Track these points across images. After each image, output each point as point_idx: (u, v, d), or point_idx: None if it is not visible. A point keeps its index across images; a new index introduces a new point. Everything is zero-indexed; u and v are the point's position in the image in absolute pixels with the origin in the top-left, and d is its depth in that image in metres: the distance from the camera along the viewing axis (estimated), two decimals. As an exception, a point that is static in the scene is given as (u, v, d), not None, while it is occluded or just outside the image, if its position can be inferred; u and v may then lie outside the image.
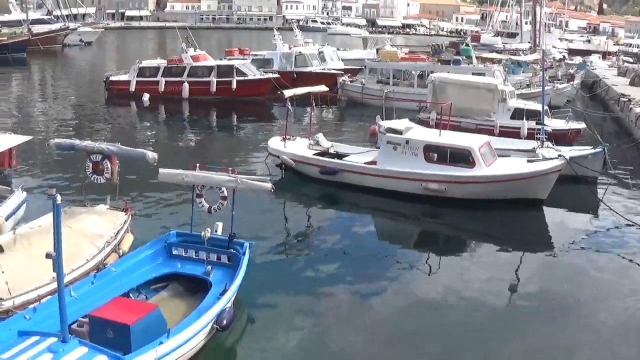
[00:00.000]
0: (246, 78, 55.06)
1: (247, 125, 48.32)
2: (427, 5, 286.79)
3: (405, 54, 65.75)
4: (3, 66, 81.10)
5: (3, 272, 15.53)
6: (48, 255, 12.25)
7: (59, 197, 12.22)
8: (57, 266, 12.40)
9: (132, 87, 55.97)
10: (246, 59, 61.35)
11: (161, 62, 57.51)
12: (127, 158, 21.03)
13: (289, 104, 32.55)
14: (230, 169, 18.97)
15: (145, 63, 58.00)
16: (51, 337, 13.12)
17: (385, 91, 50.69)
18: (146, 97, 54.25)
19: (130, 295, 16.79)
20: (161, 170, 19.12)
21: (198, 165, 19.10)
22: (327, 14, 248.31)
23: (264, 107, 54.29)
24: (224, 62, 58.54)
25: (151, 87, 55.22)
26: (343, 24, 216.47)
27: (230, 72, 55.06)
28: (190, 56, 56.08)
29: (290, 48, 63.95)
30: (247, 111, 51.92)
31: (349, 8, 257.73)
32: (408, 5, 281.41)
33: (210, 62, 57.24)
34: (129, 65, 60.84)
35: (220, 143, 43.59)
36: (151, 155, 19.96)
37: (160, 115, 52.37)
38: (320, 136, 33.05)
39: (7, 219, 20.82)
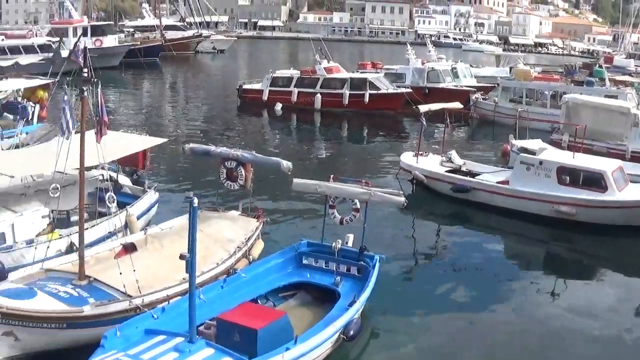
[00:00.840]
0: (379, 92, 54.60)
1: (378, 139, 48.04)
2: (560, 25, 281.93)
3: (538, 73, 64.35)
4: (136, 70, 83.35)
5: (135, 270, 15.71)
6: (182, 257, 12.32)
7: (196, 200, 12.32)
8: (190, 268, 12.49)
9: (265, 96, 56.35)
10: (379, 73, 61.01)
11: (294, 73, 57.64)
12: (261, 166, 21.20)
13: (423, 119, 32.19)
14: (363, 181, 18.84)
15: (278, 73, 58.35)
16: (178, 337, 13.26)
17: (518, 110, 49.60)
18: (279, 106, 54.60)
19: (259, 301, 16.79)
20: (295, 179, 19.15)
21: (332, 176, 19.05)
22: (459, 30, 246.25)
23: (395, 121, 53.60)
24: (357, 75, 58.22)
25: (284, 97, 55.50)
26: (477, 41, 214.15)
27: (364, 85, 54.69)
28: (324, 68, 55.96)
29: (423, 63, 63.32)
30: (378, 125, 51.39)
31: (482, 25, 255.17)
32: (540, 23, 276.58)
33: (344, 74, 56.99)
34: (261, 75, 61.48)
35: (351, 155, 43.32)
36: (285, 164, 20.04)
37: (292, 125, 52.61)
38: (453, 153, 32.53)
39: (138, 218, 21.23)
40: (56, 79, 36.48)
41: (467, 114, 50.09)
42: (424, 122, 32.35)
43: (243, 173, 20.99)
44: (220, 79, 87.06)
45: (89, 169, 20.18)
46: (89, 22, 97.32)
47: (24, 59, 58.68)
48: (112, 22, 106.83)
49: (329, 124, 51.68)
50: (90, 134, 16.56)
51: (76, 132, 16.65)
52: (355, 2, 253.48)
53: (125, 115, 51.79)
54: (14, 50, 79.49)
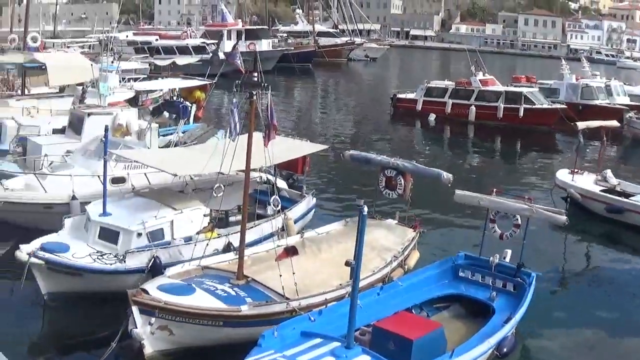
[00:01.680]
0: (534, 106, 53.30)
1: (532, 154, 46.98)
2: None
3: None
4: (289, 75, 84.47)
5: (294, 273, 15.94)
6: (347, 263, 12.50)
7: (365, 209, 12.41)
8: (355, 275, 12.63)
9: (419, 106, 56.17)
10: (533, 87, 59.85)
11: (449, 84, 57.08)
12: (421, 176, 21.18)
13: (581, 136, 31.46)
14: (526, 197, 18.62)
15: (433, 83, 57.96)
16: (335, 341, 13.39)
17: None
18: (432, 117, 54.44)
19: (413, 311, 16.74)
20: (457, 191, 19.07)
21: (494, 190, 18.83)
22: (612, 46, 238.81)
23: (549, 137, 52.26)
24: (512, 88, 57.25)
25: (438, 108, 55.24)
26: (631, 58, 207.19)
27: (518, 99, 53.58)
28: (479, 80, 55.27)
29: (577, 79, 61.76)
30: (532, 140, 50.30)
31: (634, 41, 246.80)
32: None
33: (499, 87, 56.11)
34: (413, 84, 61.34)
35: (504, 169, 42.79)
36: (446, 175, 20.02)
37: (445, 136, 52.34)
38: (608, 172, 31.57)
39: (295, 222, 21.52)
40: (214, 81, 37.59)
41: (619, 133, 48.53)
42: (581, 140, 31.62)
43: (402, 182, 21.07)
44: (372, 87, 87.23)
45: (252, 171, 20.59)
46: (243, 26, 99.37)
47: (181, 60, 60.35)
48: (266, 27, 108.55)
49: (482, 137, 51.07)
50: (256, 137, 16.90)
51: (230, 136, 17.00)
52: (508, 14, 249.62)
53: (278, 119, 52.37)
54: (169, 51, 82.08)
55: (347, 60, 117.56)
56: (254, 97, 16.11)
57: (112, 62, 41.73)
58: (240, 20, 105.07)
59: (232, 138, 16.90)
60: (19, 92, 43.27)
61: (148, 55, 76.58)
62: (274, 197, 20.14)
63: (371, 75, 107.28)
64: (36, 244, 18.17)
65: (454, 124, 53.76)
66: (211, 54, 73.12)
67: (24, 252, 17.64)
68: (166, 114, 35.23)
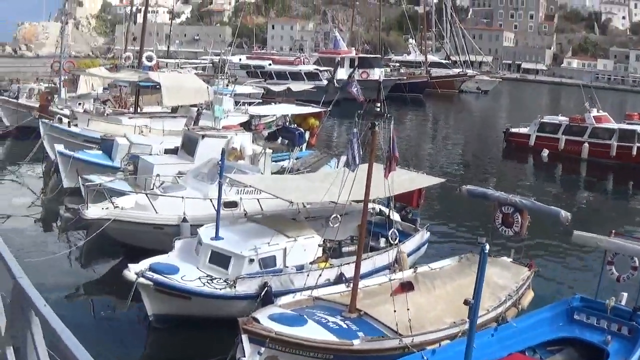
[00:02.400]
0: None
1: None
2: None
3: None
4: (400, 105, 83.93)
5: (408, 308, 15.40)
6: (466, 302, 12.01)
7: (487, 247, 11.81)
8: (473, 314, 12.15)
9: (532, 142, 54.92)
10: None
11: (563, 120, 55.50)
12: (538, 214, 20.43)
13: None
14: (646, 239, 17.67)
15: (546, 119, 56.65)
16: None
17: None
18: (545, 153, 53.12)
19: (526, 353, 16.12)
20: (575, 232, 18.28)
21: (613, 232, 18.01)
22: None
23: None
24: (626, 126, 55.34)
25: (551, 144, 53.85)
26: None
27: (632, 137, 51.79)
28: (593, 116, 53.59)
29: None
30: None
31: None
32: None
33: (612, 124, 54.13)
34: (523, 118, 60.20)
35: (618, 209, 41.10)
36: (564, 214, 19.23)
37: (558, 173, 51.06)
38: None
39: (408, 255, 20.95)
40: (328, 109, 37.33)
41: None
42: None
43: (519, 219, 20.31)
44: (483, 120, 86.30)
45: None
46: (356, 54, 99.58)
47: (296, 86, 60.63)
48: (379, 56, 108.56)
49: (595, 175, 49.57)
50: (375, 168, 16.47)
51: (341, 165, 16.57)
52: (620, 49, 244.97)
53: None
54: (281, 76, 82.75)
55: (459, 92, 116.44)
56: (376, 128, 15.72)
57: (227, 85, 41.94)
58: (353, 48, 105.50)
59: (351, 169, 16.53)
60: (132, 110, 44.02)
61: (262, 79, 77.35)
62: (392, 230, 19.64)
63: (482, 108, 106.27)
64: (145, 264, 18.17)
65: (567, 160, 52.32)
66: (327, 81, 73.48)
67: (132, 271, 17.62)
68: (281, 139, 35.06)
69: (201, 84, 40.58)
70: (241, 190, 23.02)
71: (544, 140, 54.50)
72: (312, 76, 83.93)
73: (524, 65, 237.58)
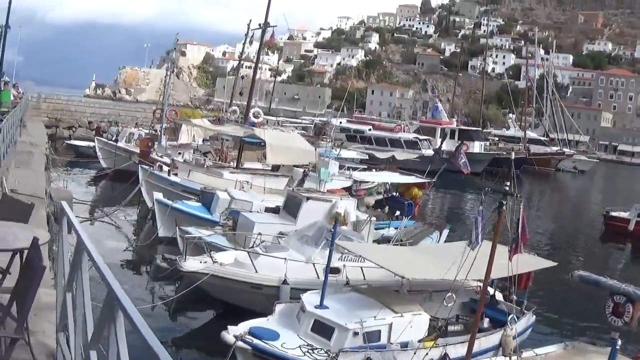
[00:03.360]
0: None
1: None
2: None
3: None
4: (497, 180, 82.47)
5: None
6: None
7: (619, 342, 11.02)
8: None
9: (631, 227, 53.22)
10: None
11: None
12: (654, 306, 19.34)
13: None
14: None
15: (642, 203, 55.33)
16: None
17: None
18: None
19: None
20: None
21: None
22: None
23: None
24: None
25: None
26: None
27: None
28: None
29: None
30: None
31: None
32: None
33: None
34: (620, 202, 58.59)
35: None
36: None
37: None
38: None
39: (513, 338, 19.98)
40: (433, 179, 36.62)
41: None
42: None
43: (631, 310, 19.23)
44: (580, 201, 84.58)
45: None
46: (457, 125, 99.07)
47: (400, 154, 60.33)
48: (479, 129, 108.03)
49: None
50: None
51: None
52: None
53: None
54: (381, 142, 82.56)
55: (556, 171, 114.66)
56: (504, 207, 15.04)
57: (332, 148, 41.71)
58: (454, 119, 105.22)
59: (472, 247, 15.95)
60: (233, 164, 44.00)
61: (362, 144, 77.17)
62: (511, 315, 19.23)
63: (579, 188, 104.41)
64: (244, 327, 17.61)
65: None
66: (433, 152, 73.10)
67: (231, 334, 17.13)
68: (388, 208, 34.35)
69: (307, 144, 40.48)
70: (345, 257, 22.34)
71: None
72: (411, 144, 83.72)
73: (621, 147, 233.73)
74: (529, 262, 22.18)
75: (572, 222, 62.97)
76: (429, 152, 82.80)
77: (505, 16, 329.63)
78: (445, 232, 31.65)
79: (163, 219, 30.56)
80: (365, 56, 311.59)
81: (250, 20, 57.18)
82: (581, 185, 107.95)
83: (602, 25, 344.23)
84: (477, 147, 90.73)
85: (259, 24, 49.10)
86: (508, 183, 15.36)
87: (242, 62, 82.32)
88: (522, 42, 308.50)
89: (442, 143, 77.48)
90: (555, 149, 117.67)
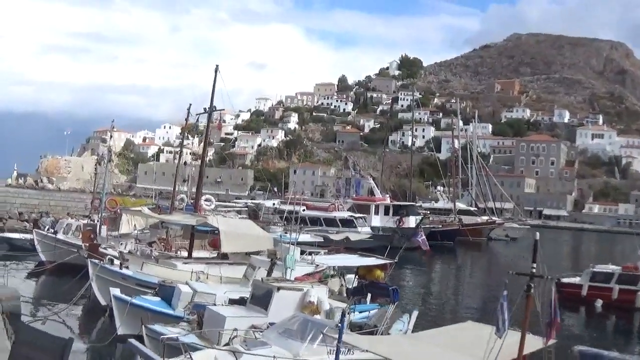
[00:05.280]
0: None
1: None
2: None
3: None
4: (434, 252, 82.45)
5: None
6: None
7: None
8: None
9: (584, 292, 53.09)
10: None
11: (615, 269, 54.15)
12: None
13: None
14: None
15: (598, 268, 55.26)
16: None
17: None
18: (599, 303, 51.27)
19: None
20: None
21: None
22: None
23: None
24: None
25: (604, 294, 52.00)
26: None
27: None
28: (646, 264, 52.57)
29: None
30: None
31: None
32: None
33: None
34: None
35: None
36: None
37: (611, 323, 49.51)
38: None
39: None
40: (395, 260, 35.79)
41: None
42: None
43: None
44: (521, 269, 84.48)
45: None
46: (391, 202, 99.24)
47: (354, 235, 59.77)
48: (414, 203, 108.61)
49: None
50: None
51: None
52: None
53: (426, 297, 50.63)
54: (315, 222, 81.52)
55: (488, 240, 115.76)
56: (532, 291, 14.39)
57: (286, 232, 40.64)
58: (388, 195, 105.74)
59: (499, 334, 15.31)
60: (180, 253, 42.68)
61: (295, 225, 76.09)
62: None
63: (514, 255, 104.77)
64: None
65: (620, 310, 50.44)
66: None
67: None
68: (370, 296, 32.92)
69: (260, 230, 39.49)
70: (331, 351, 20.96)
71: (596, 290, 52.60)
72: (347, 223, 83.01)
73: (546, 211, 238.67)
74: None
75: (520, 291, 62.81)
76: (366, 229, 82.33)
77: (422, 89, 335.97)
78: (415, 313, 30.54)
79: (122, 317, 28.84)
80: (285, 136, 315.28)
81: (190, 105, 56.69)
82: (515, 252, 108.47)
83: (519, 93, 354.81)
84: (412, 221, 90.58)
85: (204, 109, 48.58)
86: (534, 264, 14.70)
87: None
88: (441, 114, 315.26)
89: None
90: (485, 218, 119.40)
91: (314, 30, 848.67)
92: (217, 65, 48.28)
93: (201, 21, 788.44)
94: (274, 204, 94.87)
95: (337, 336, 19.91)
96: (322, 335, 20.47)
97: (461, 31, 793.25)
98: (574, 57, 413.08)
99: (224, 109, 49.22)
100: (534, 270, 14.57)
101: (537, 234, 16.25)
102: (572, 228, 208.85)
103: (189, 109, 56.32)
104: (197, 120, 56.19)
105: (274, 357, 19.96)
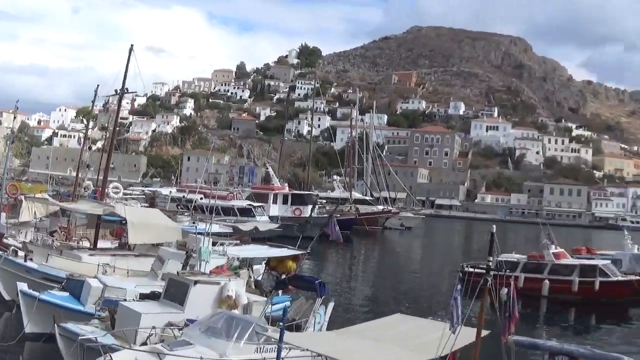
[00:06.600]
0: (609, 279, 51.76)
1: (606, 329, 45.24)
2: None
3: None
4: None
5: None
6: None
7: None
8: None
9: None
10: (593, 259, 58.43)
11: (521, 257, 55.44)
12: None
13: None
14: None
15: (503, 257, 55.90)
16: None
17: None
18: (504, 291, 51.83)
19: None
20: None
21: None
22: (637, 212, 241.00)
23: (622, 310, 50.35)
24: (587, 261, 55.57)
25: (507, 282, 52.79)
26: None
27: (594, 273, 51.94)
28: (552, 253, 53.72)
29: (639, 249, 61.02)
30: (605, 314, 48.78)
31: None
32: None
33: (573, 260, 54.85)
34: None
35: (582, 344, 40.14)
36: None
37: (518, 311, 49.63)
38: None
39: None
40: (307, 251, 35.36)
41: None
42: None
43: None
44: (424, 257, 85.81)
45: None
46: (290, 191, 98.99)
47: (263, 225, 59.08)
48: (312, 192, 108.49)
49: (555, 311, 49.08)
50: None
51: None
52: (533, 184, 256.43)
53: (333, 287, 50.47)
54: (213, 210, 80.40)
55: (383, 229, 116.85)
56: (488, 284, 14.41)
57: (194, 222, 39.75)
58: (287, 184, 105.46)
59: (453, 330, 15.62)
60: (83, 243, 41.15)
61: (191, 212, 75.01)
62: None
63: (410, 244, 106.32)
64: None
65: (527, 298, 51.11)
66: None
67: None
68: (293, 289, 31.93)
69: (169, 221, 38.41)
70: (261, 348, 20.55)
71: (502, 279, 53.33)
72: (246, 212, 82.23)
73: (438, 201, 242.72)
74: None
75: (429, 279, 63.34)
76: (265, 219, 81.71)
77: (319, 79, 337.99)
78: (331, 305, 30.16)
79: (30, 314, 27.12)
80: (180, 122, 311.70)
81: (98, 86, 54.97)
82: (411, 241, 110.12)
83: (415, 85, 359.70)
84: (309, 211, 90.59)
85: (116, 90, 46.75)
86: (490, 258, 14.68)
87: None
88: (337, 104, 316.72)
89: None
90: (381, 207, 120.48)
91: (216, 15, 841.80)
92: (132, 45, 46.24)
93: (102, 2, 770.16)
94: (170, 191, 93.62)
95: (266, 334, 19.56)
96: (249, 333, 19.95)
97: (364, 22, 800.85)
98: (473, 51, 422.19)
99: (136, 92, 47.68)
100: (490, 264, 14.43)
101: (494, 226, 16.21)
102: (464, 217, 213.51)
103: (96, 91, 54.58)
104: (108, 102, 54.15)
105: (201, 358, 19.28)
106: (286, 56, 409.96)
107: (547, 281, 51.98)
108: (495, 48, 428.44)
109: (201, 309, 23.59)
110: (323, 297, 26.38)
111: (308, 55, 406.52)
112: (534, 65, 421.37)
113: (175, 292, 25.03)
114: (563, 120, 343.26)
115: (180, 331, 21.96)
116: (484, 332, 16.12)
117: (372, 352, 17.81)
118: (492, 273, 14.83)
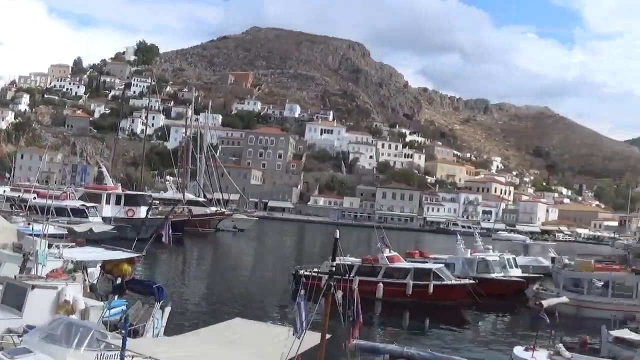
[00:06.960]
0: (443, 282, 53.66)
1: (440, 331, 46.31)
2: (565, 212, 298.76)
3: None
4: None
5: None
6: None
7: None
8: None
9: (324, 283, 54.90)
10: (427, 262, 60.93)
11: (355, 261, 56.33)
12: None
13: (545, 315, 31.08)
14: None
15: (338, 260, 57.34)
16: None
17: (580, 300, 49.67)
18: (339, 294, 53.12)
19: None
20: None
21: None
22: (467, 217, 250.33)
23: (456, 312, 52.38)
24: (421, 265, 57.80)
25: (344, 285, 53.96)
26: (506, 230, 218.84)
27: (427, 276, 53.86)
28: (386, 257, 55.20)
29: (471, 254, 63.35)
30: (440, 316, 50.30)
31: (489, 212, 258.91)
32: (547, 211, 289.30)
33: (407, 264, 56.66)
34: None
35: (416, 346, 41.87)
36: None
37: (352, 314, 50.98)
38: (561, 347, 30.97)
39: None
40: (142, 254, 35.56)
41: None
42: (546, 317, 31.21)
43: None
44: (256, 260, 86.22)
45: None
46: (123, 191, 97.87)
47: (98, 227, 58.09)
48: (146, 193, 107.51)
49: (390, 314, 50.17)
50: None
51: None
52: (366, 187, 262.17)
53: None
54: (45, 211, 78.76)
55: (216, 230, 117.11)
56: (332, 290, 15.37)
57: (28, 224, 38.83)
58: (120, 184, 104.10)
59: (297, 335, 16.24)
60: None
61: (25, 213, 73.25)
62: None
63: (244, 246, 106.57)
64: None
65: (362, 301, 52.48)
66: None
67: None
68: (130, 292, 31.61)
69: (3, 221, 37.50)
70: (101, 355, 20.09)
71: (337, 282, 54.42)
72: (78, 212, 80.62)
73: (271, 203, 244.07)
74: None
75: (261, 282, 64.09)
76: (98, 219, 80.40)
77: (156, 76, 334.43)
78: (168, 309, 30.28)
79: None
80: (15, 118, 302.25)
81: None
82: (245, 243, 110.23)
83: (252, 85, 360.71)
84: (143, 212, 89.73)
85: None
86: (334, 263, 15.51)
87: None
88: (172, 102, 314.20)
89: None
90: (214, 209, 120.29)
91: (56, 8, 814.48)
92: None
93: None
94: (4, 190, 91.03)
95: (106, 340, 19.87)
96: (88, 339, 20.15)
97: (204, 21, 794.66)
98: (311, 54, 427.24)
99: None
100: (333, 268, 15.36)
101: (337, 231, 16.89)
102: (297, 220, 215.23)
103: None
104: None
105: (44, 366, 19.31)
106: (123, 52, 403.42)
107: (381, 284, 53.19)
108: (334, 52, 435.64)
109: (39, 315, 23.11)
110: (161, 302, 26.71)
111: (146, 52, 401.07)
112: (370, 71, 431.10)
113: (13, 297, 24.29)
114: (397, 126, 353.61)
115: (20, 338, 21.80)
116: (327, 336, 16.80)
117: (217, 357, 18.47)
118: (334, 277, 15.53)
